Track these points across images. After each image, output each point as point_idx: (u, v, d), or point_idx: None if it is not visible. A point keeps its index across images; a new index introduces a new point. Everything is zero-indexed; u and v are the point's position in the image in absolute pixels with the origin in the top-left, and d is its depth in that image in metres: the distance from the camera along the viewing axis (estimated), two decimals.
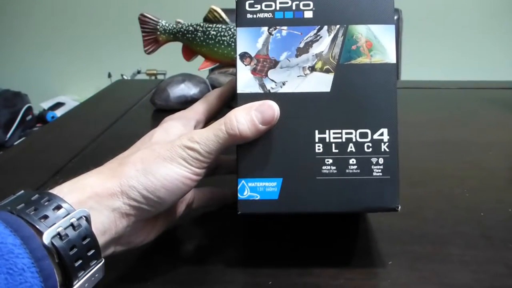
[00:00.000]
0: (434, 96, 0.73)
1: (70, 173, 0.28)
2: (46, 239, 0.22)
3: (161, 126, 0.32)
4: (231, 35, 0.56)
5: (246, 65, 0.30)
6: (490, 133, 0.56)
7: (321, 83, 0.30)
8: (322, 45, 0.30)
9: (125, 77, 1.94)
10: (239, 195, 0.29)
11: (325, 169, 0.29)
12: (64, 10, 2.19)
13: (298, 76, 0.30)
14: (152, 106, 0.65)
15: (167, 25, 0.59)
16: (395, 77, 0.30)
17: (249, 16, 0.31)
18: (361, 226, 0.35)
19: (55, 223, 0.23)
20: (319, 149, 0.29)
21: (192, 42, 0.58)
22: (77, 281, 0.23)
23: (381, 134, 0.29)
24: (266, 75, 0.30)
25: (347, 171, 0.29)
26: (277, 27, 0.30)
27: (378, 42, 0.30)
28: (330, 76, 0.30)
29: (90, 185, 0.26)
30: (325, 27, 0.30)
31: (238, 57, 0.30)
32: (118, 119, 0.63)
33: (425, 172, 0.45)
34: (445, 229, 0.35)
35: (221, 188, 0.37)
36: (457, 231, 0.34)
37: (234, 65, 0.55)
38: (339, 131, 0.29)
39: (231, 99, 0.35)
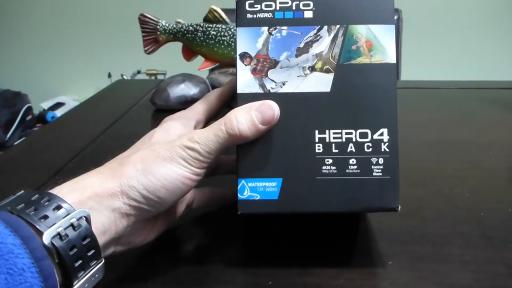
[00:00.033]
0: (434, 96, 0.73)
1: (70, 173, 0.28)
2: (46, 239, 0.22)
3: (161, 126, 0.32)
4: (231, 35, 0.56)
5: (246, 65, 0.30)
6: (490, 133, 0.56)
7: (321, 83, 0.30)
8: (322, 45, 0.30)
9: (125, 77, 1.94)
10: (239, 195, 0.29)
11: (325, 169, 0.29)
12: (64, 10, 2.19)
13: (298, 76, 0.30)
14: (152, 106, 0.65)
15: (167, 25, 0.59)
16: (395, 77, 0.30)
17: (249, 16, 0.31)
18: (361, 226, 0.35)
19: (55, 223, 0.23)
20: (319, 149, 0.29)
21: (192, 42, 0.58)
22: (77, 281, 0.23)
23: (381, 134, 0.29)
24: (266, 75, 0.30)
25: (347, 171, 0.29)
26: (277, 27, 0.30)
27: (378, 42, 0.30)
28: (330, 76, 0.30)
29: (90, 185, 0.26)
30: (325, 27, 0.30)
31: (238, 57, 0.30)
32: (118, 119, 0.63)
33: (425, 172, 0.45)
34: (445, 229, 0.35)
35: (221, 188, 0.37)
36: (457, 231, 0.34)
37: (234, 65, 0.55)
38: (339, 131, 0.29)
39: (231, 99, 0.35)
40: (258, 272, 0.30)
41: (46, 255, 0.22)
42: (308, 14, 0.30)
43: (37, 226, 0.22)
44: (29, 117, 2.05)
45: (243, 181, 0.29)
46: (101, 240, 0.25)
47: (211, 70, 0.67)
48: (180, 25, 0.58)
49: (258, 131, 0.28)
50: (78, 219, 0.23)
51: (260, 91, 0.30)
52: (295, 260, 0.31)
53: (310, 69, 0.30)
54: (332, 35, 0.30)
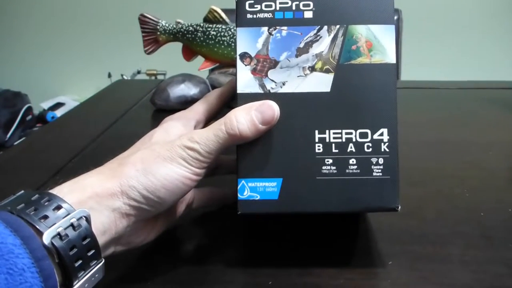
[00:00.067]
0: (434, 96, 0.73)
1: (70, 173, 0.28)
2: (46, 239, 0.22)
3: (161, 126, 0.32)
4: (231, 35, 0.56)
5: (246, 65, 0.30)
6: (490, 133, 0.56)
7: (321, 83, 0.30)
8: (322, 45, 0.30)
9: (125, 77, 1.94)
10: (239, 195, 0.29)
11: (325, 169, 0.29)
12: (64, 10, 2.19)
13: (298, 76, 0.30)
14: (152, 106, 0.65)
15: (167, 25, 0.59)
16: (395, 77, 0.30)
17: (249, 16, 0.31)
18: (361, 226, 0.35)
19: (55, 223, 0.23)
20: (319, 149, 0.29)
21: (192, 42, 0.58)
22: (77, 281, 0.23)
23: (381, 134, 0.29)
24: (266, 75, 0.30)
25: (347, 171, 0.29)
26: (277, 27, 0.30)
27: (378, 42, 0.30)
28: (330, 76, 0.30)
29: (90, 185, 0.26)
30: (325, 27, 0.30)
31: (238, 57, 0.30)
32: (118, 119, 0.63)
33: (425, 172, 0.45)
34: (445, 229, 0.35)
35: (221, 188, 0.37)
36: (457, 231, 0.34)
37: (234, 65, 0.55)
38: (339, 131, 0.29)
39: (231, 99, 0.35)
40: (258, 272, 0.30)
41: (46, 255, 0.22)
42: (308, 14, 0.30)
43: (37, 226, 0.22)
44: (29, 117, 2.05)
45: (243, 181, 0.29)
46: (101, 240, 0.25)
47: (211, 70, 0.67)
48: (180, 25, 0.58)
49: (258, 131, 0.28)
50: (78, 219, 0.23)
51: (260, 91, 0.30)
52: (295, 260, 0.32)
53: (310, 69, 0.30)
54: (332, 35, 0.30)
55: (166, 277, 0.30)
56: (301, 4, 0.30)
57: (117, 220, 0.26)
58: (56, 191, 0.25)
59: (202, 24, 0.58)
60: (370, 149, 0.29)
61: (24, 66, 2.29)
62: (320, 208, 0.29)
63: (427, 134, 0.55)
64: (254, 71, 0.30)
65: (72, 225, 0.23)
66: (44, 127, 0.78)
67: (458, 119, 0.61)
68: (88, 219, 0.24)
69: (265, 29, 0.30)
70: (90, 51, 2.22)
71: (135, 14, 0.63)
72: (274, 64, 0.30)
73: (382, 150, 0.29)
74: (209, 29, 0.57)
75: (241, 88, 0.30)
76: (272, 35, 0.30)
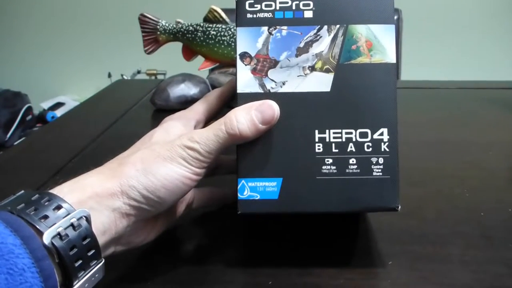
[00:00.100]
0: (434, 96, 0.73)
1: (70, 173, 0.28)
2: (46, 239, 0.22)
3: (161, 126, 0.32)
4: (231, 35, 0.56)
5: (246, 65, 0.30)
6: (490, 133, 0.56)
7: (321, 83, 0.30)
8: (322, 45, 0.30)
9: (125, 77, 1.94)
10: (239, 195, 0.29)
11: (325, 169, 0.29)
12: (64, 10, 2.19)
13: (298, 76, 0.30)
14: (152, 106, 0.65)
15: (167, 25, 0.59)
16: (395, 77, 0.30)
17: (249, 16, 0.31)
18: (361, 226, 0.35)
19: (55, 223, 0.23)
20: (319, 149, 0.29)
21: (192, 42, 0.58)
22: (77, 281, 0.23)
23: (381, 134, 0.29)
24: (266, 75, 0.30)
25: (347, 171, 0.29)
26: (277, 27, 0.30)
27: (378, 42, 0.30)
28: (330, 76, 0.30)
29: (90, 185, 0.26)
30: (325, 27, 0.30)
31: (238, 57, 0.30)
32: (118, 119, 0.63)
33: (425, 172, 0.45)
34: (445, 229, 0.35)
35: (221, 188, 0.37)
36: (457, 231, 0.34)
37: (234, 65, 0.55)
38: (339, 131, 0.29)
39: (231, 99, 0.35)
40: (258, 272, 0.30)
41: (46, 255, 0.22)
42: (308, 14, 0.30)
43: (37, 226, 0.22)
44: (29, 117, 2.05)
45: (243, 181, 0.29)
46: (101, 240, 0.25)
47: (211, 70, 0.67)
48: (180, 25, 0.58)
49: (258, 131, 0.28)
50: (78, 219, 0.23)
51: (260, 90, 0.30)
52: (295, 260, 0.31)
53: (310, 69, 0.30)
54: (332, 35, 0.30)
55: (166, 277, 0.30)
56: (301, 3, 0.30)
57: (117, 220, 0.26)
58: (56, 191, 0.25)
59: (202, 24, 0.58)
60: (370, 149, 0.29)
61: (24, 66, 2.29)
62: (320, 208, 0.29)
63: (427, 134, 0.55)
64: (254, 71, 0.30)
65: (72, 225, 0.23)
66: (44, 127, 0.78)
67: (458, 119, 0.61)
68: (88, 219, 0.24)
69: (265, 28, 0.30)
70: (90, 51, 2.22)
71: (135, 14, 0.63)
72: (274, 63, 0.30)
73: (382, 150, 0.29)
74: (209, 29, 0.57)
75: (241, 88, 0.30)
76: (272, 34, 0.30)
